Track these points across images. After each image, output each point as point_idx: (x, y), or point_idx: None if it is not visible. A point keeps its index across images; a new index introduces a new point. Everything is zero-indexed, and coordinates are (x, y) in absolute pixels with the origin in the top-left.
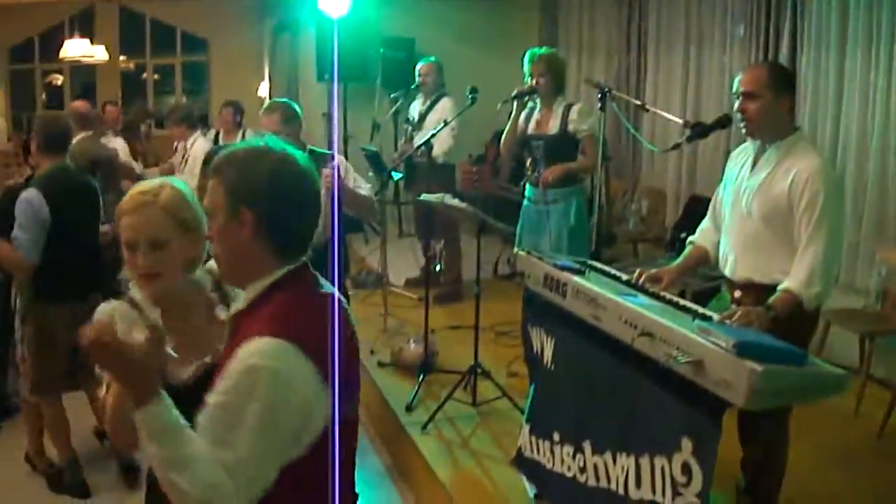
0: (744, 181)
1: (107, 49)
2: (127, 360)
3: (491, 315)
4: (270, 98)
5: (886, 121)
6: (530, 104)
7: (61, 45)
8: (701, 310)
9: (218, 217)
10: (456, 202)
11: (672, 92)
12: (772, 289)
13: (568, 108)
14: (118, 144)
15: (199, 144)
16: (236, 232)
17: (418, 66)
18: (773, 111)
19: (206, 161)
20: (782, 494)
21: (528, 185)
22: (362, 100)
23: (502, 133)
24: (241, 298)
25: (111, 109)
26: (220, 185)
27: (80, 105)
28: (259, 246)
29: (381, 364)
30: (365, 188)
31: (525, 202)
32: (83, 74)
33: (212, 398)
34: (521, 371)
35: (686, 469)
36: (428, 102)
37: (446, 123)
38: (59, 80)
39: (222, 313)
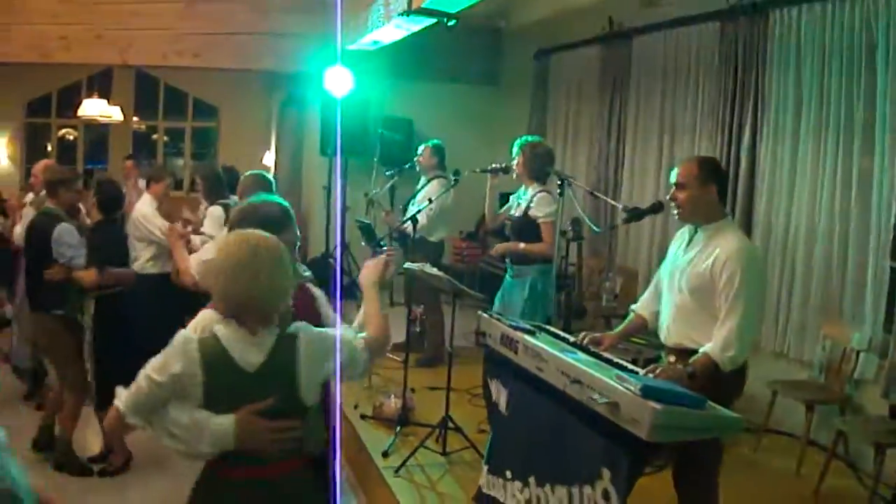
0: (678, 259)
1: (121, 109)
2: None
3: (468, 379)
4: (276, 167)
5: (832, 208)
6: (522, 189)
7: (78, 103)
8: (629, 365)
9: None
10: (434, 271)
11: (647, 175)
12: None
13: (535, 194)
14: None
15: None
16: None
17: (420, 148)
18: (700, 199)
19: None
20: None
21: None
22: (361, 175)
23: None
24: None
25: (129, 164)
26: None
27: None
28: None
29: (363, 416)
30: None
31: (506, 275)
32: (95, 132)
33: None
34: (489, 429)
35: (605, 495)
36: (424, 181)
37: (430, 202)
38: (71, 135)
39: None
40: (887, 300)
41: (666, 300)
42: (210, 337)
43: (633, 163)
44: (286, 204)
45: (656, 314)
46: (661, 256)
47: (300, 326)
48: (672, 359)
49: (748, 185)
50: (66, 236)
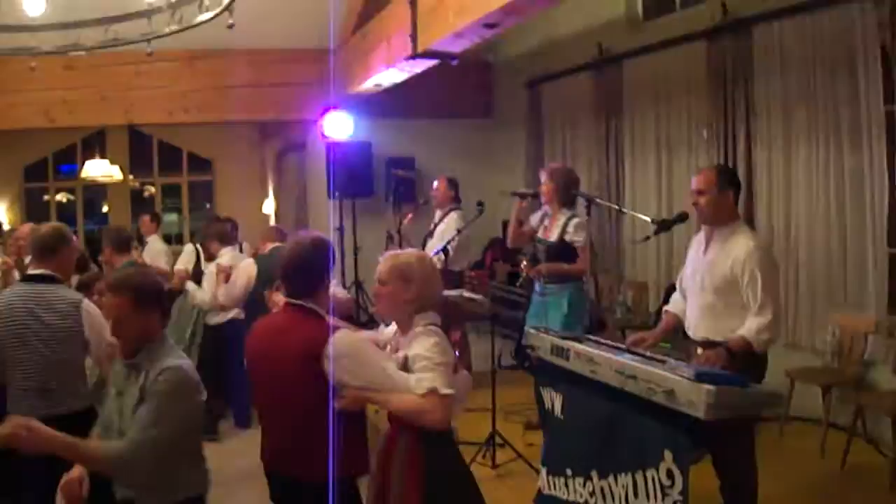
0: (699, 261)
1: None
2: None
3: (499, 399)
4: (277, 215)
5: (828, 205)
6: (545, 210)
7: (74, 165)
8: (671, 360)
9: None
10: (473, 296)
11: (648, 192)
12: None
13: (569, 220)
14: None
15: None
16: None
17: (434, 182)
18: (719, 203)
19: None
20: None
21: (535, 282)
22: (370, 214)
23: (497, 240)
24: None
25: (146, 219)
26: None
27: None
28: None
29: None
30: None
31: (533, 294)
32: (91, 192)
33: None
34: (534, 441)
35: (670, 475)
36: (439, 215)
37: (459, 232)
38: (65, 198)
39: None
40: (889, 284)
41: (691, 300)
42: (433, 327)
43: (633, 181)
44: None
45: (685, 312)
46: (668, 268)
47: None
48: (700, 351)
49: (747, 190)
50: None
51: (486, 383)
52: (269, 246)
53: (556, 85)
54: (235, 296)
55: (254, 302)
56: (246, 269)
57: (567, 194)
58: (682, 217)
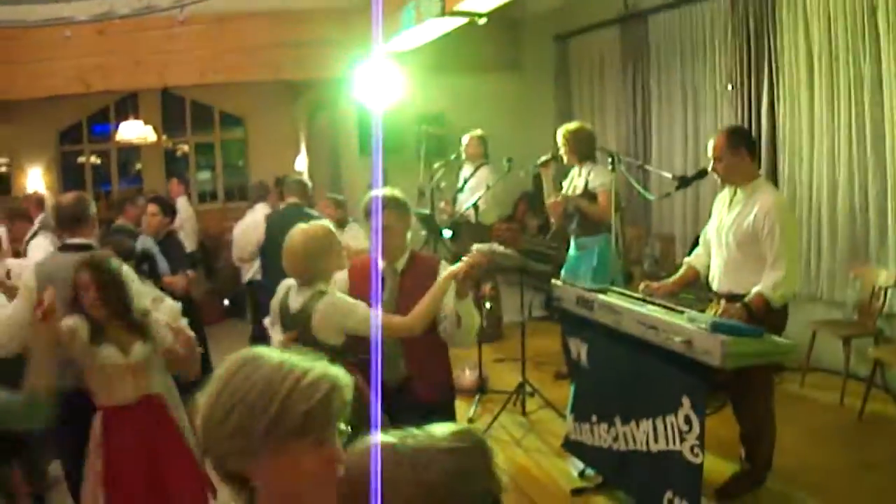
0: (723, 218)
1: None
2: None
3: (529, 349)
4: (309, 172)
5: (850, 159)
6: (573, 171)
7: (113, 126)
8: (691, 311)
9: None
10: (503, 249)
11: (674, 145)
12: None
13: (589, 172)
14: None
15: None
16: None
17: (463, 138)
18: (734, 165)
19: None
20: (780, 464)
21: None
22: (401, 171)
23: (528, 194)
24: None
25: (174, 182)
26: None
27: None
28: None
29: None
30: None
31: (570, 250)
32: (125, 154)
33: None
34: (563, 390)
35: (687, 420)
36: (471, 170)
37: (489, 188)
38: (99, 160)
39: None
40: None
41: (715, 255)
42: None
43: (660, 135)
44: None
45: (706, 267)
46: (694, 221)
47: (332, 291)
48: (723, 303)
49: (771, 144)
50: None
51: (516, 334)
52: (288, 200)
53: (583, 39)
54: (249, 252)
55: (265, 257)
56: (255, 230)
57: (583, 149)
58: (702, 173)
